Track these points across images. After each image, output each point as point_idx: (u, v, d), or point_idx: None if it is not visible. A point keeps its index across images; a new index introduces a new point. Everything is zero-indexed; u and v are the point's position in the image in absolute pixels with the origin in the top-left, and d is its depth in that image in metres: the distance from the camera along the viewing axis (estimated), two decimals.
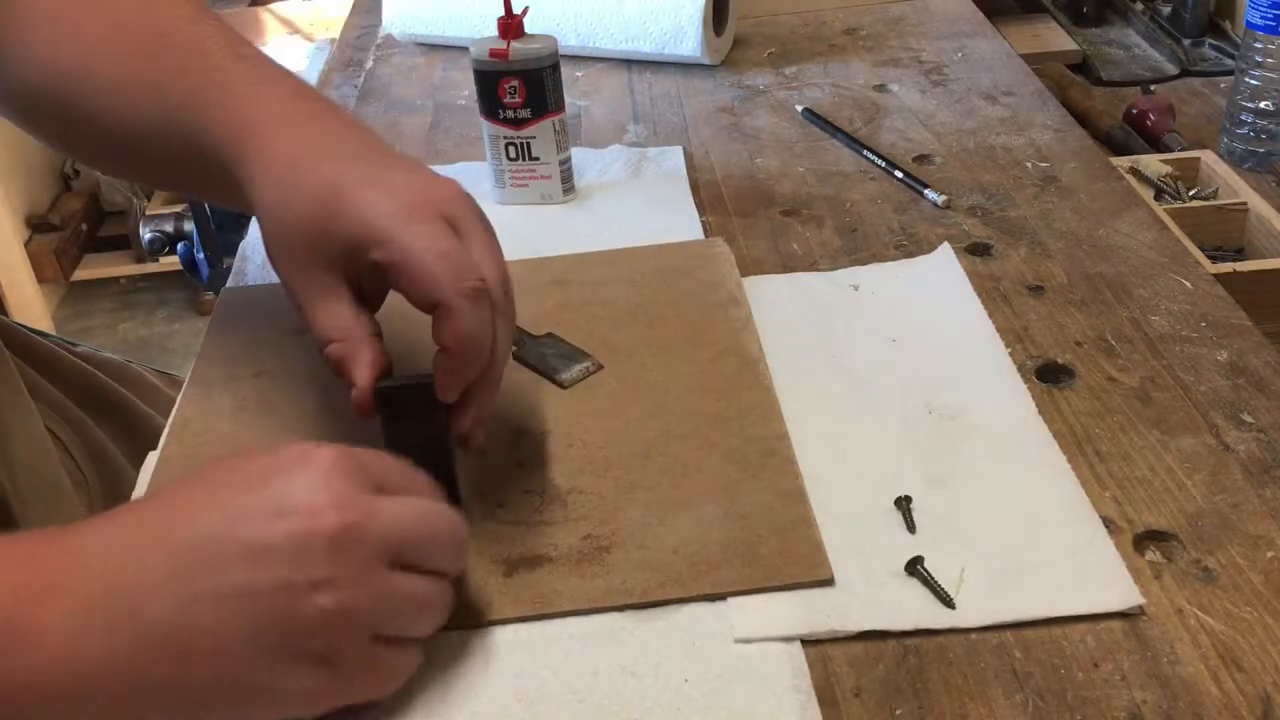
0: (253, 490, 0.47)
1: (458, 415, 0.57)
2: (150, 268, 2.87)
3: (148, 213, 2.82)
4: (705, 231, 0.87)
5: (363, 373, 0.57)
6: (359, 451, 0.50)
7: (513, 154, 0.90)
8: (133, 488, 0.65)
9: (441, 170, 0.97)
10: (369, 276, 0.58)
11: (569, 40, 1.15)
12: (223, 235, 2.55)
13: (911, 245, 0.83)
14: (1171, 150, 1.12)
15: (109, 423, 0.83)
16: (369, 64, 1.24)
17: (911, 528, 0.59)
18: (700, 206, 0.90)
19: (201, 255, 2.61)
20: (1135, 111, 1.19)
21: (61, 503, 0.74)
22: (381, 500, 0.49)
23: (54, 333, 0.93)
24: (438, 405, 0.57)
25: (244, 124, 0.60)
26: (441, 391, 0.56)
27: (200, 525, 0.47)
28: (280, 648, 0.46)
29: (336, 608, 0.46)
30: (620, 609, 0.56)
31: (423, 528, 0.50)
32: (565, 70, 0.94)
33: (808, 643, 0.54)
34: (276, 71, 0.65)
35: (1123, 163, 1.04)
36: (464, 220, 0.58)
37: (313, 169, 0.58)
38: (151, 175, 0.72)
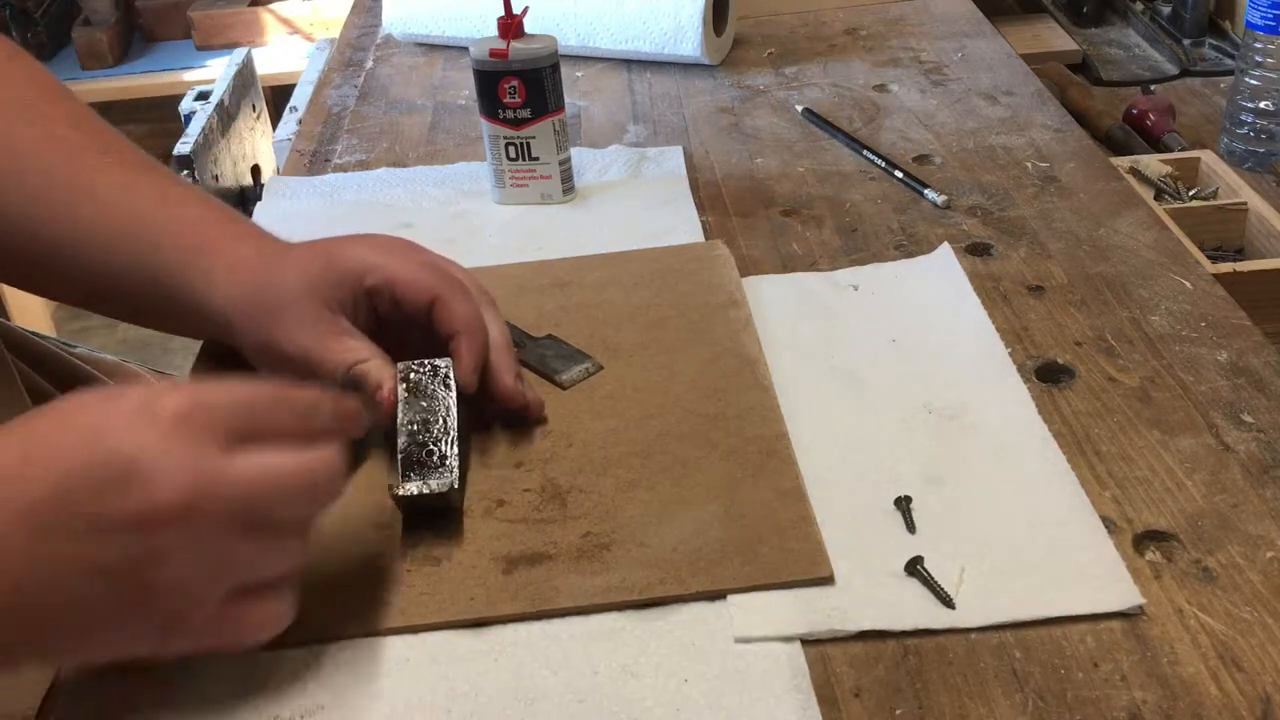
0: (90, 452, 0.45)
1: (501, 393, 0.65)
2: None
3: None
4: (705, 231, 0.87)
5: (389, 381, 0.62)
6: (214, 393, 0.48)
7: (513, 154, 0.90)
8: None
9: (441, 170, 0.98)
10: (363, 311, 0.64)
11: (569, 40, 1.15)
12: None
13: (911, 245, 0.83)
14: (1171, 150, 1.12)
15: None
16: (369, 64, 1.24)
17: (911, 528, 0.59)
18: (700, 206, 0.90)
19: None
20: (1135, 111, 1.19)
21: None
22: (232, 461, 0.46)
23: (53, 334, 0.93)
24: (448, 386, 0.62)
25: (195, 244, 0.65)
26: (463, 374, 0.62)
27: (36, 492, 0.44)
28: (125, 615, 0.46)
29: (176, 581, 0.45)
30: (620, 608, 0.56)
31: (274, 489, 0.47)
32: (565, 70, 0.94)
33: (808, 643, 0.54)
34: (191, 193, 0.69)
35: (1123, 163, 1.04)
36: (430, 253, 0.67)
37: (286, 249, 0.66)
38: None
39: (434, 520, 0.61)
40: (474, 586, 0.57)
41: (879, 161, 0.94)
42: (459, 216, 0.91)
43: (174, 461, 0.45)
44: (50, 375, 0.82)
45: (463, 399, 0.62)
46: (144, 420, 0.45)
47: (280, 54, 2.63)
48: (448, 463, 0.60)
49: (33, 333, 0.85)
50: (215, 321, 0.65)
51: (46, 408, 0.48)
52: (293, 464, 0.48)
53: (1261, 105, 1.07)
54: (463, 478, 0.61)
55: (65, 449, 0.45)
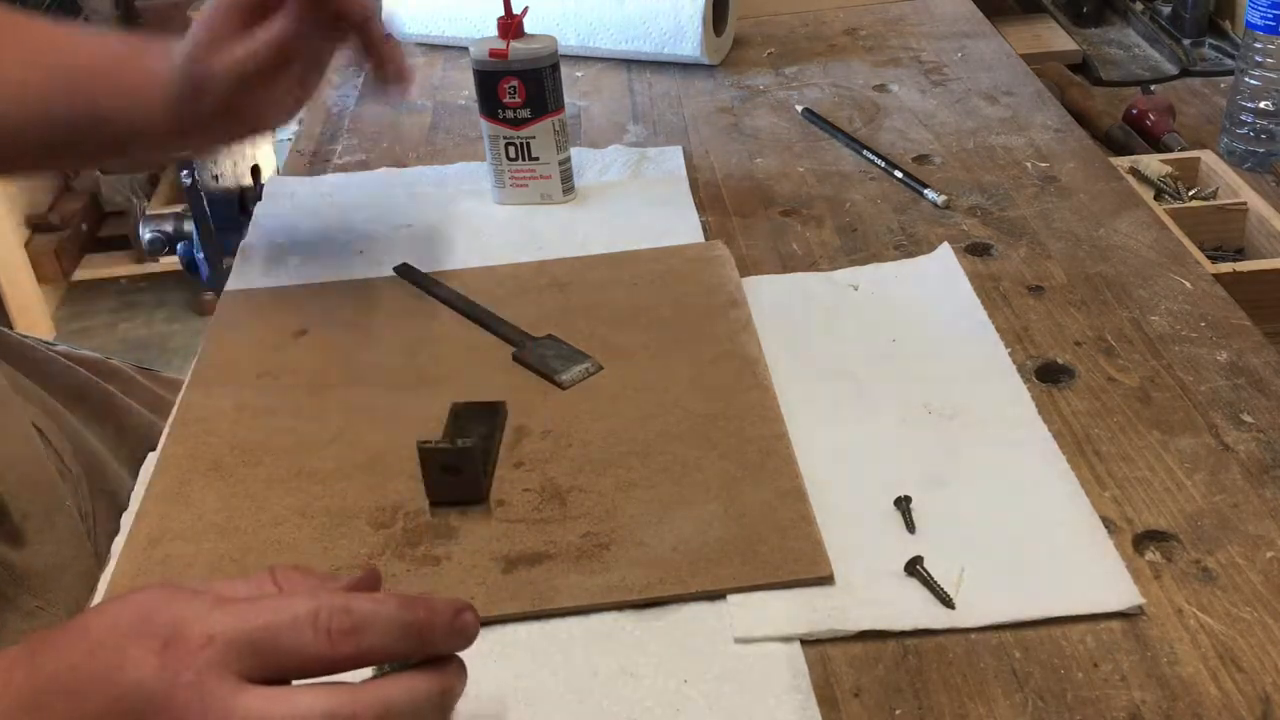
0: (106, 693, 0.43)
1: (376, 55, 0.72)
2: (150, 268, 2.86)
3: (148, 212, 2.81)
4: (705, 231, 0.87)
5: None
6: (240, 617, 0.43)
7: (513, 154, 0.90)
8: (117, 479, 0.65)
9: (441, 170, 0.98)
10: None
11: (569, 40, 1.15)
12: (222, 235, 2.54)
13: (911, 245, 0.83)
14: (1171, 150, 1.12)
15: (91, 416, 0.83)
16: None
17: (911, 528, 0.59)
18: (700, 206, 0.90)
19: (201, 255, 2.60)
20: (1135, 111, 1.19)
21: (50, 495, 0.74)
22: (242, 700, 0.42)
23: (53, 334, 0.93)
24: (493, 424, 0.66)
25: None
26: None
27: None
28: None
29: None
30: (619, 607, 0.56)
31: None
32: (565, 70, 0.94)
33: (807, 643, 0.54)
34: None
35: (1123, 163, 1.04)
36: None
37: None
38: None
39: (457, 489, 0.62)
40: (474, 586, 0.57)
41: (879, 161, 0.94)
42: (459, 216, 0.91)
43: (185, 700, 0.42)
44: (31, 370, 0.82)
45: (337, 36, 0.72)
46: (164, 657, 0.43)
47: None
48: (474, 441, 0.62)
49: (21, 335, 0.85)
50: (170, 99, 0.71)
51: (65, 630, 0.45)
52: (304, 707, 0.43)
53: (1261, 105, 1.07)
54: (489, 468, 0.63)
55: (82, 688, 0.43)
